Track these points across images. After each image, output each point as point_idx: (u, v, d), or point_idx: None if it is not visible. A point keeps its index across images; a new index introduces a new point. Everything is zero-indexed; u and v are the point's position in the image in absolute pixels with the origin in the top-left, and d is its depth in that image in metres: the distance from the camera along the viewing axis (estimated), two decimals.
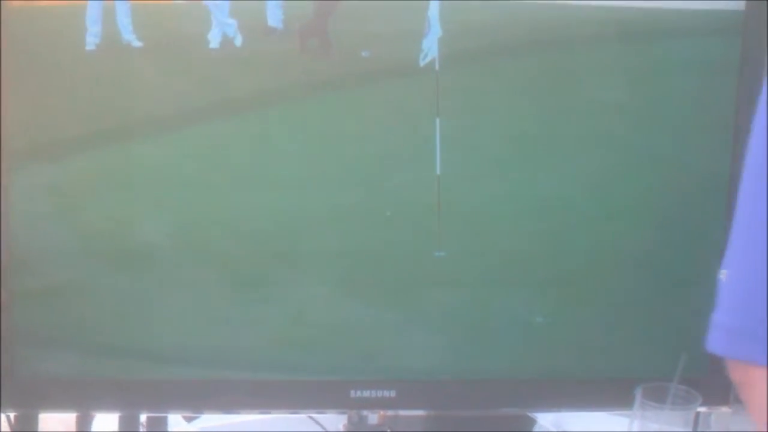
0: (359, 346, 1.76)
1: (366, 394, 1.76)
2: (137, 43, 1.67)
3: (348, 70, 1.69)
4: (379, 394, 1.76)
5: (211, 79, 1.69)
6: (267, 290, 1.75)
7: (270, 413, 1.88)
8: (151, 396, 1.76)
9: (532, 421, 1.97)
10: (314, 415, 1.88)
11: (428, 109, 1.69)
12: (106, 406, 1.78)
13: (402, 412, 1.83)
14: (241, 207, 1.72)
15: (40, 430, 1.77)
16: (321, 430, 1.88)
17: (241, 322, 1.75)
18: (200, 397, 1.77)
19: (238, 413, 1.87)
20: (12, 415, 1.76)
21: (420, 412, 1.88)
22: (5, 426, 1.78)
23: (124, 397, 1.76)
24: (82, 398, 1.76)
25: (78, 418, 1.80)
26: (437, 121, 1.69)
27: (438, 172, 1.70)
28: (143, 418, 1.84)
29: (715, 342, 0.94)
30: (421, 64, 1.68)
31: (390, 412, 1.82)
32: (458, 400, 1.79)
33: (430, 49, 1.67)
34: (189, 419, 1.98)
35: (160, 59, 1.68)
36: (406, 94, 1.70)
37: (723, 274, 0.94)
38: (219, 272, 1.74)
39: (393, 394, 1.76)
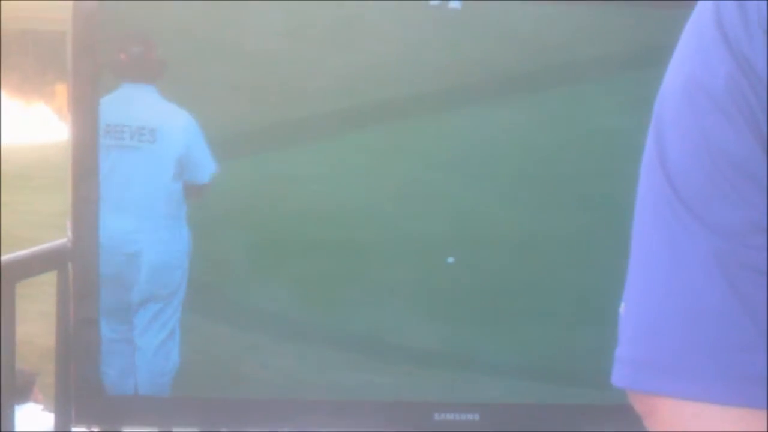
0: (444, 368, 1.75)
1: (450, 417, 1.74)
2: None
3: None
4: (463, 417, 1.74)
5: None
6: (351, 310, 1.74)
7: None
8: (231, 414, 1.76)
9: None
10: None
11: None
12: (187, 423, 1.77)
13: None
14: (343, 217, 1.71)
15: None
16: None
17: (323, 341, 1.74)
18: (281, 416, 1.76)
19: None
20: (96, 431, 1.76)
21: None
22: None
23: (205, 414, 1.76)
24: (163, 415, 1.76)
25: None
26: None
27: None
28: None
29: (619, 375, 0.92)
30: None
31: None
32: (542, 424, 1.77)
33: None
34: None
35: None
36: None
37: (622, 308, 0.93)
38: (302, 291, 1.73)
39: (477, 417, 1.74)
